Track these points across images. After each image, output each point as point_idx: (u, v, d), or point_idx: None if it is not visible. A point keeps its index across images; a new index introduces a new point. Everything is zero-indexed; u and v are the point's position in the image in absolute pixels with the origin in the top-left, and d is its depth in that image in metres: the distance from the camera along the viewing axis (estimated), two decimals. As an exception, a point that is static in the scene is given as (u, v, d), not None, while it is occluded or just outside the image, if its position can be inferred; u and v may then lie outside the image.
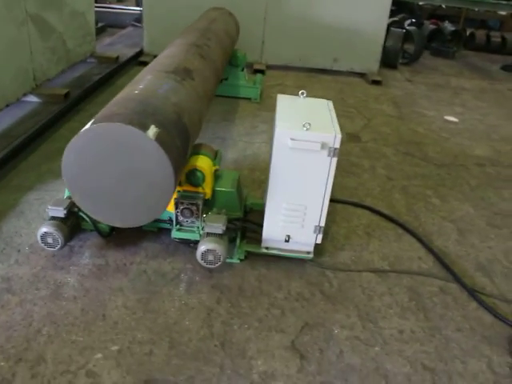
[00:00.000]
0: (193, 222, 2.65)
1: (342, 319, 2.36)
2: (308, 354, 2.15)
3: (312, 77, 6.28)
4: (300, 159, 2.40)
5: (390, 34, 6.85)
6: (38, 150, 3.66)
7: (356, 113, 5.15)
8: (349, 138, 4.49)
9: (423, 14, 9.90)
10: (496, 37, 9.05)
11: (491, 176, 3.99)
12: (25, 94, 4.01)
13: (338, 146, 2.35)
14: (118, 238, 2.79)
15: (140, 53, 6.24)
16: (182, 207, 2.59)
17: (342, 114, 5.04)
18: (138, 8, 8.38)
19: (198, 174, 2.60)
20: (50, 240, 2.47)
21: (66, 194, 2.66)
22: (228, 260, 2.68)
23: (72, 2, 4.73)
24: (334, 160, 2.39)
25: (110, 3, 10.07)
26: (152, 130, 2.02)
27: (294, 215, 2.55)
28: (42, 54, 4.21)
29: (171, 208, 2.62)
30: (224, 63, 3.96)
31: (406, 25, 7.92)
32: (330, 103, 2.83)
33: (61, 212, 2.50)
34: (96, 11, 7.76)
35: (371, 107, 5.36)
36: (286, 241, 2.63)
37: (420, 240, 3.01)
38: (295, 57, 6.34)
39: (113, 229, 2.78)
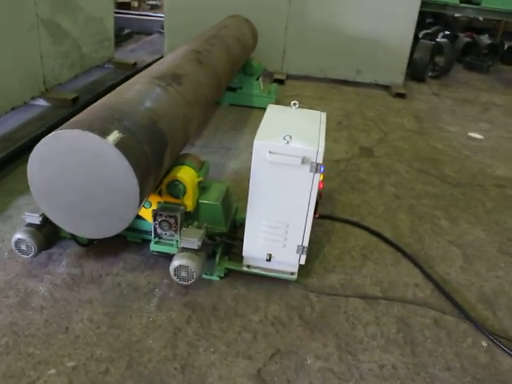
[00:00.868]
0: (172, 235, 2.53)
1: (317, 348, 2.19)
2: (273, 385, 1.99)
3: (333, 88, 6.11)
4: (280, 174, 2.25)
5: (419, 45, 6.59)
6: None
7: (373, 126, 4.93)
8: (361, 152, 4.29)
9: (458, 26, 9.54)
10: (536, 51, 8.60)
11: (510, 198, 3.70)
12: (33, 98, 4.04)
13: (320, 161, 2.20)
14: (99, 247, 2.71)
15: (159, 59, 6.23)
16: (160, 219, 2.48)
17: (359, 127, 4.85)
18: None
19: (179, 185, 2.49)
20: (23, 247, 2.42)
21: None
22: (207, 276, 2.56)
23: (88, 7, 4.77)
24: (317, 176, 2.23)
25: (143, 10, 10.26)
26: (113, 136, 1.92)
27: (274, 233, 2.40)
28: (53, 58, 4.25)
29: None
30: (230, 69, 3.85)
31: (439, 37, 7.64)
32: (324, 115, 2.67)
33: (37, 219, 2.45)
34: (124, 18, 7.94)
35: (390, 121, 5.13)
36: (268, 260, 2.48)
37: (417, 265, 2.79)
38: (316, 67, 6.19)
39: (93, 238, 2.72)
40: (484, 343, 2.30)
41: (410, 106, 5.65)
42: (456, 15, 8.73)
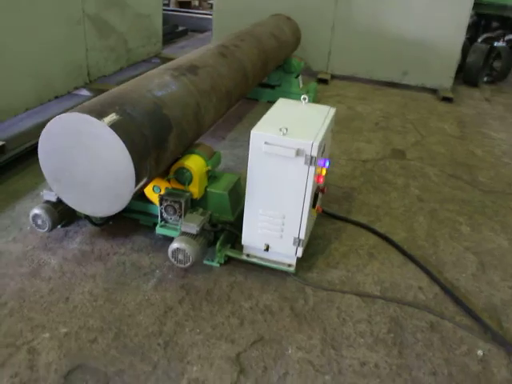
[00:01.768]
0: (176, 220, 2.63)
1: (301, 340, 2.19)
2: (249, 370, 2.02)
3: (378, 89, 5.99)
4: (275, 165, 2.28)
5: (473, 49, 6.30)
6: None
7: (412, 129, 4.79)
8: (392, 153, 4.19)
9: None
10: None
11: (545, 209, 3.48)
12: (77, 88, 4.31)
13: (315, 154, 2.20)
14: (112, 227, 2.87)
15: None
16: (165, 204, 2.59)
17: (396, 129, 4.74)
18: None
19: (186, 172, 2.59)
20: (39, 222, 2.61)
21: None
22: (208, 262, 2.63)
23: (136, 5, 5.01)
24: (312, 169, 2.24)
25: (203, 9, 10.55)
26: (110, 118, 2.04)
27: (271, 223, 2.43)
28: (99, 51, 4.51)
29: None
30: (262, 64, 3.89)
31: (502, 41, 7.25)
32: (332, 110, 2.66)
33: (53, 196, 2.63)
34: (180, 16, 8.23)
35: (431, 125, 4.96)
36: (266, 250, 2.51)
37: (422, 268, 2.70)
38: (362, 68, 6.09)
39: (108, 219, 2.88)
40: (480, 352, 2.20)
41: (456, 111, 5.43)
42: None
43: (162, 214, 2.63)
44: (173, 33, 7.70)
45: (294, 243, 2.44)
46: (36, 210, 2.59)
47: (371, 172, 3.83)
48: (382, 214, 3.26)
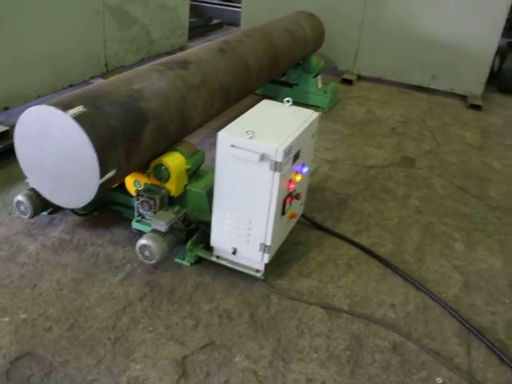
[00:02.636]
0: (151, 216, 2.64)
1: (252, 348, 2.15)
2: (191, 374, 2.01)
3: (404, 93, 5.77)
4: (241, 169, 2.24)
5: (511, 55, 5.93)
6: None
7: (429, 136, 4.59)
8: (401, 161, 4.03)
9: None
10: None
11: (554, 232, 3.24)
12: (93, 77, 4.41)
13: (280, 159, 2.14)
14: (97, 218, 2.92)
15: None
16: (141, 199, 2.61)
17: (412, 136, 4.55)
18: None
19: (163, 169, 2.59)
20: (22, 208, 2.69)
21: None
22: (179, 261, 2.64)
23: (160, -3, 5.07)
24: (277, 175, 2.18)
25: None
26: (75, 110, 2.07)
27: (238, 227, 2.39)
28: (118, 42, 4.59)
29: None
30: (270, 59, 3.81)
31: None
32: (315, 115, 2.57)
33: (36, 184, 2.70)
34: (217, 8, 8.24)
35: (451, 132, 4.73)
36: (233, 253, 2.48)
37: (402, 276, 2.60)
38: (389, 70, 5.88)
39: (93, 210, 2.93)
40: (439, 380, 2.08)
41: (482, 119, 5.14)
42: None
43: (138, 209, 2.65)
44: (206, 25, 7.73)
45: (260, 249, 2.40)
46: (19, 197, 2.67)
47: (373, 179, 3.70)
48: (373, 223, 3.14)
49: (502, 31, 5.18)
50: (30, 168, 2.37)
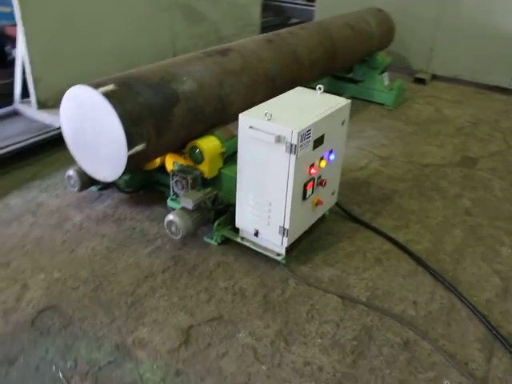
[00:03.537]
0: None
1: (257, 327, 2.17)
2: (193, 342, 2.08)
3: (479, 93, 5.39)
4: (260, 151, 2.27)
5: None
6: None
7: (499, 138, 4.25)
8: (461, 161, 3.79)
9: None
10: None
11: None
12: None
13: (295, 142, 2.14)
14: (141, 197, 3.11)
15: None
16: (175, 179, 2.74)
17: (480, 137, 4.26)
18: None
19: (197, 151, 2.70)
20: (72, 182, 2.95)
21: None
22: (208, 240, 2.73)
23: (231, -5, 5.24)
24: (293, 158, 2.18)
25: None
26: (105, 88, 2.25)
27: (259, 209, 2.43)
28: (186, 38, 4.82)
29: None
30: (325, 50, 3.78)
31: None
32: (344, 102, 2.52)
33: (86, 160, 2.95)
34: (296, 8, 8.30)
35: (528, 135, 4.34)
36: (256, 235, 2.52)
37: (432, 274, 2.47)
38: (466, 69, 5.52)
39: (139, 188, 3.12)
40: (447, 383, 1.95)
41: None
42: None
43: (172, 188, 2.79)
44: (284, 24, 7.79)
45: (279, 232, 2.41)
46: (70, 172, 2.94)
47: (425, 177, 3.53)
48: (414, 221, 3.00)
49: None
50: (74, 145, 2.60)
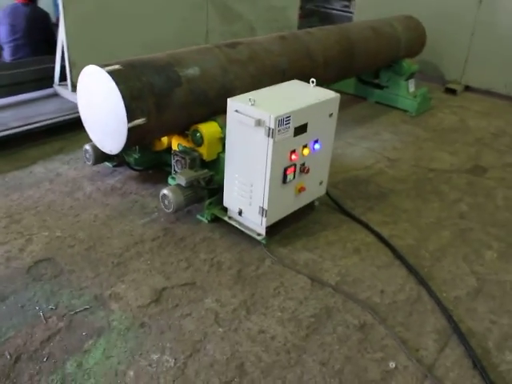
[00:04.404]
0: (180, 173, 2.97)
1: (225, 295, 2.34)
2: (163, 302, 2.27)
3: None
4: (244, 134, 2.44)
5: None
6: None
7: (519, 150, 4.19)
8: (470, 169, 3.78)
9: None
10: None
11: None
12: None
13: (273, 126, 2.29)
14: (149, 175, 3.36)
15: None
16: (176, 158, 2.96)
17: (497, 148, 4.21)
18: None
19: (198, 135, 2.90)
20: (87, 155, 3.23)
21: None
22: (200, 217, 2.92)
23: (267, -2, 5.44)
24: (271, 141, 2.33)
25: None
26: (111, 67, 2.50)
27: (243, 189, 2.59)
28: (220, 34, 5.06)
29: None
30: (341, 48, 3.86)
31: None
32: (332, 95, 2.63)
33: (101, 137, 3.22)
34: (344, 16, 8.39)
35: (551, 150, 4.24)
36: (239, 214, 2.68)
37: (407, 268, 2.55)
38: (500, 82, 5.41)
39: (149, 168, 3.37)
40: (392, 364, 2.03)
41: None
42: None
43: (173, 166, 3.01)
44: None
45: (259, 212, 2.57)
46: (86, 146, 3.22)
47: (428, 180, 3.55)
48: (404, 219, 3.05)
49: None
50: (86, 120, 2.87)
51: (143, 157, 3.28)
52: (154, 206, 3.02)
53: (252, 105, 2.36)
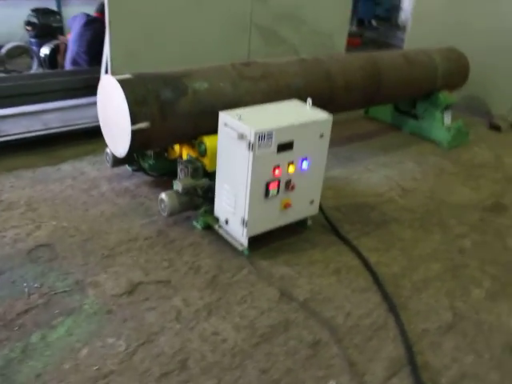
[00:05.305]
0: (182, 181, 3.16)
1: (193, 297, 2.46)
2: (135, 294, 2.44)
3: (562, 148, 4.97)
4: (230, 146, 2.59)
5: None
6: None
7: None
8: (489, 206, 3.64)
9: None
10: None
11: None
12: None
13: (253, 140, 2.41)
14: (162, 181, 3.56)
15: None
16: (180, 166, 3.16)
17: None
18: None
19: (202, 146, 3.09)
20: (107, 158, 3.52)
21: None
22: (195, 223, 3.09)
23: (315, 23, 5.56)
24: (252, 155, 2.45)
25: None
26: (122, 76, 2.76)
27: (230, 199, 2.72)
28: (262, 56, 5.27)
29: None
30: (364, 72, 3.91)
31: None
32: (325, 117, 2.70)
33: (122, 142, 3.51)
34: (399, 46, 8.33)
35: None
36: (226, 223, 2.81)
37: (382, 295, 2.55)
38: (552, 120, 5.15)
39: (163, 174, 3.60)
40: (332, 382, 2.04)
41: None
42: None
43: (178, 174, 3.21)
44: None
45: (241, 223, 2.68)
46: (107, 149, 3.51)
47: (437, 213, 3.47)
48: (398, 247, 3.02)
49: None
50: (103, 126, 3.16)
51: (157, 163, 3.51)
52: (157, 210, 3.22)
53: (238, 119, 2.50)
